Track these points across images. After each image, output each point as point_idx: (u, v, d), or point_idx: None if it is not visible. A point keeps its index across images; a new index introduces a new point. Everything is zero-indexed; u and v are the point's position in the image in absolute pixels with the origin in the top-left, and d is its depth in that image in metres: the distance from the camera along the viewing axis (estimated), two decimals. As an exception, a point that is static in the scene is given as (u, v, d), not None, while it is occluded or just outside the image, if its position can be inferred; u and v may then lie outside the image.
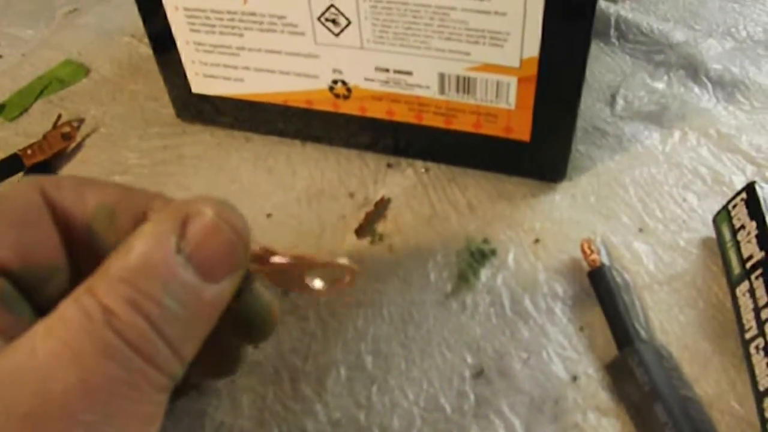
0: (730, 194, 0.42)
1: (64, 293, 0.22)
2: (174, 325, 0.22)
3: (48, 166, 0.53)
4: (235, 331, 0.30)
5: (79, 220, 0.26)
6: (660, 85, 0.56)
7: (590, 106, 0.54)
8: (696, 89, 0.55)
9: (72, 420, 0.20)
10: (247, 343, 0.33)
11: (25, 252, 0.25)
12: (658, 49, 0.59)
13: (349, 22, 0.42)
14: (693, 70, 0.57)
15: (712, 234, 0.43)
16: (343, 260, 0.29)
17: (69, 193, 0.26)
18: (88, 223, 0.27)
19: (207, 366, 0.31)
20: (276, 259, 0.27)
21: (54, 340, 0.20)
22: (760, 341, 0.36)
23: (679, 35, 0.60)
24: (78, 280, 0.23)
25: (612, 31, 0.61)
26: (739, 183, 0.47)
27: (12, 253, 0.24)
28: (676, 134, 0.51)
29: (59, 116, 0.56)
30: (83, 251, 0.27)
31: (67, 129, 0.54)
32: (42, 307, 0.25)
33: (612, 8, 0.63)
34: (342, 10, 0.42)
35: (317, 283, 0.29)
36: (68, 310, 0.21)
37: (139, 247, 0.22)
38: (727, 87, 0.55)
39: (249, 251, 0.25)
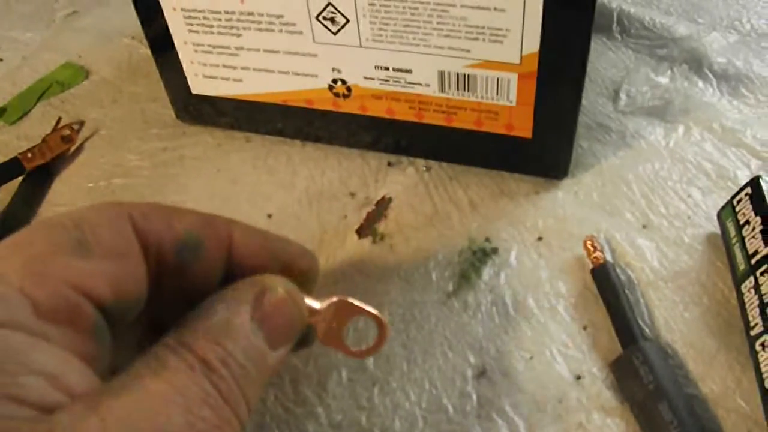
0: (735, 189, 0.42)
1: (140, 317, 0.26)
2: (249, 382, 0.25)
3: (48, 170, 0.52)
4: None
5: (167, 250, 0.27)
6: (663, 80, 0.55)
7: (593, 101, 0.54)
8: (700, 83, 0.55)
9: None
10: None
11: (118, 285, 0.25)
12: (662, 43, 0.59)
13: (348, 21, 0.42)
14: (697, 64, 0.56)
15: (717, 230, 0.43)
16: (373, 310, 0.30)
17: (157, 222, 0.27)
18: (177, 252, 0.27)
19: None
20: (312, 304, 0.29)
21: (163, 383, 0.23)
22: (766, 338, 0.35)
23: (682, 29, 0.60)
24: (155, 303, 0.26)
25: (615, 26, 0.61)
26: (744, 178, 0.47)
27: (107, 287, 0.25)
28: (680, 129, 0.51)
29: (59, 119, 0.56)
30: (166, 278, 0.27)
31: (67, 132, 0.54)
32: (117, 332, 0.26)
33: (614, 2, 0.62)
34: (340, 8, 0.42)
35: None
36: (170, 359, 0.23)
37: (222, 312, 0.25)
38: (731, 81, 0.55)
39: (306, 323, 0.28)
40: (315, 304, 0.29)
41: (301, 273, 0.30)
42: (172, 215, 0.28)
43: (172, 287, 0.27)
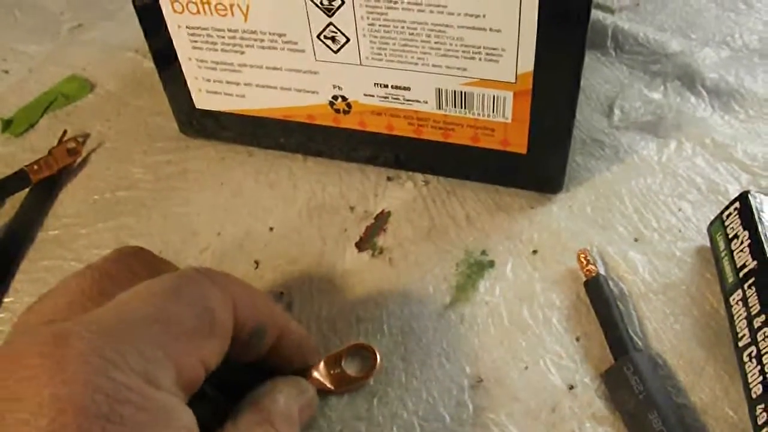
0: (725, 203, 0.42)
1: None
2: None
3: (54, 182, 0.53)
4: None
5: (243, 334, 0.32)
6: (656, 96, 0.56)
7: (588, 117, 0.55)
8: (692, 99, 0.56)
9: None
10: None
11: (219, 359, 0.31)
12: (655, 59, 0.60)
13: (348, 40, 0.43)
14: (689, 79, 0.57)
15: (707, 243, 0.44)
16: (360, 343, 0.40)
17: (244, 310, 0.32)
18: (249, 336, 0.33)
19: None
20: (315, 375, 0.38)
21: None
22: (753, 349, 0.36)
23: (675, 45, 0.61)
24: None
25: (609, 42, 0.62)
26: (734, 192, 0.47)
27: (216, 362, 0.31)
28: (672, 144, 0.52)
29: (65, 132, 0.57)
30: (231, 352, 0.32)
31: (72, 144, 0.55)
32: None
33: (609, 19, 0.63)
34: (340, 28, 0.43)
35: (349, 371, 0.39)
36: (259, 430, 0.31)
37: (283, 402, 0.33)
38: (722, 96, 0.56)
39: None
40: (315, 372, 0.38)
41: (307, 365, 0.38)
42: (253, 302, 0.33)
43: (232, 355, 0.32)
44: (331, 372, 0.38)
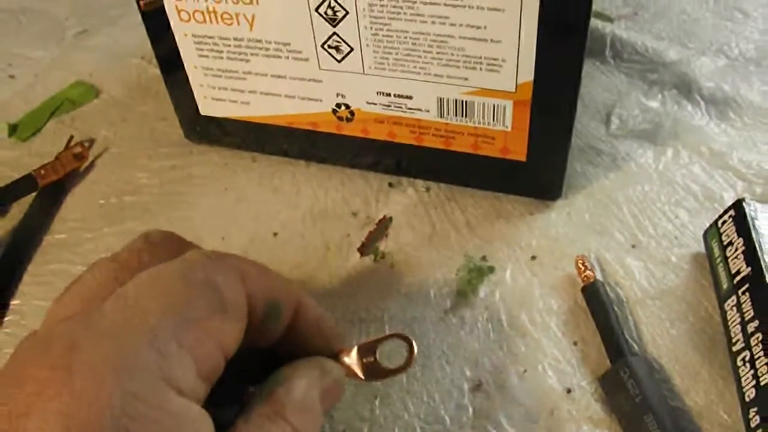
0: (721, 210, 0.43)
1: None
2: None
3: (61, 186, 0.54)
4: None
5: (258, 311, 0.30)
6: (654, 104, 0.57)
7: (586, 125, 0.56)
8: (689, 107, 0.57)
9: None
10: None
11: (238, 341, 0.29)
12: (652, 68, 0.61)
13: (352, 49, 0.44)
14: (686, 88, 0.58)
15: (703, 249, 0.45)
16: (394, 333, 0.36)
17: (255, 284, 0.30)
18: (264, 313, 0.31)
19: None
20: (347, 361, 0.34)
21: None
22: (747, 354, 0.37)
23: (672, 54, 0.61)
24: None
25: (608, 51, 0.63)
26: (730, 199, 0.48)
27: (234, 345, 0.29)
28: (669, 152, 0.53)
29: (71, 137, 0.58)
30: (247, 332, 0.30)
31: (79, 149, 0.55)
32: None
33: (608, 28, 0.64)
34: (344, 37, 0.44)
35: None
36: (272, 427, 0.29)
37: (301, 389, 0.30)
38: (719, 104, 0.57)
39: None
40: (346, 358, 0.34)
41: (330, 350, 0.34)
42: (264, 277, 0.31)
43: (246, 338, 0.30)
44: (364, 360, 0.35)
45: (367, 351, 0.35)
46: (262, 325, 0.31)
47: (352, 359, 0.34)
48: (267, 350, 0.32)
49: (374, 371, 0.34)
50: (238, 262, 0.30)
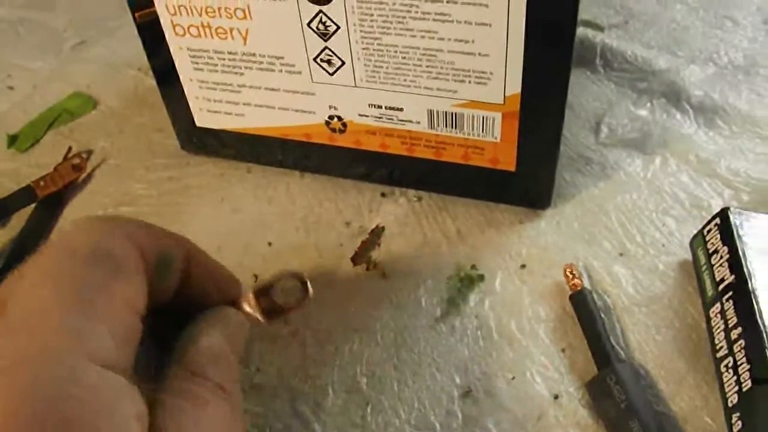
0: (708, 218, 0.44)
1: None
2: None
3: (59, 197, 0.55)
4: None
5: (150, 267, 0.30)
6: (643, 112, 0.58)
7: (576, 134, 0.56)
8: (678, 116, 0.57)
9: None
10: None
11: (145, 299, 0.29)
12: (642, 76, 0.61)
13: (343, 63, 0.45)
14: (675, 96, 0.59)
15: (690, 257, 0.46)
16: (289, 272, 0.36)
17: (142, 240, 0.30)
18: (156, 267, 0.31)
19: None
20: (247, 308, 0.35)
21: (208, 415, 0.29)
22: (730, 360, 0.38)
23: (662, 62, 0.62)
24: None
25: (598, 60, 0.63)
26: (717, 207, 0.49)
27: (144, 303, 0.29)
28: (658, 160, 0.53)
29: (69, 148, 0.58)
30: None
31: (77, 160, 0.56)
32: None
33: (599, 37, 0.65)
34: (336, 51, 0.44)
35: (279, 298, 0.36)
36: (192, 387, 0.29)
37: (208, 342, 0.31)
38: (707, 113, 0.57)
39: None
40: (245, 305, 0.35)
41: (228, 298, 0.35)
42: (151, 232, 0.31)
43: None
44: (261, 304, 0.35)
45: (262, 294, 0.35)
46: (158, 279, 0.31)
47: (251, 304, 0.35)
48: (174, 311, 0.32)
49: (272, 312, 0.35)
50: (121, 222, 0.30)
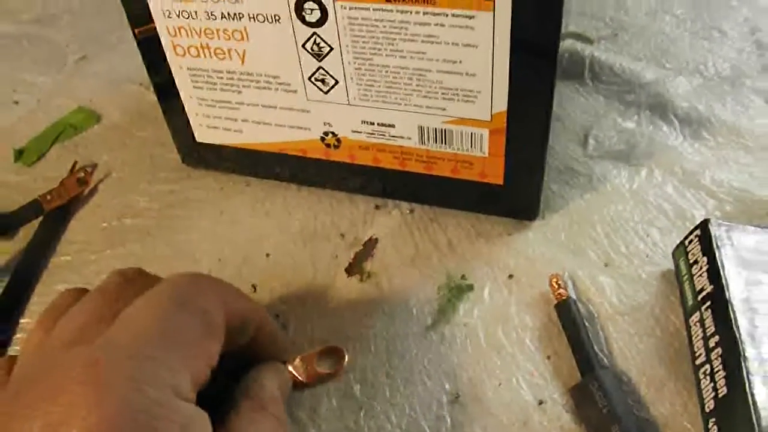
0: (691, 229, 0.45)
1: None
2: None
3: (65, 210, 0.56)
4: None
5: (231, 329, 0.36)
6: (630, 125, 0.59)
7: (564, 146, 0.58)
8: (664, 127, 0.59)
9: None
10: None
11: (217, 357, 0.35)
12: (629, 89, 0.62)
13: (337, 82, 0.47)
14: (661, 108, 0.60)
15: (672, 267, 0.47)
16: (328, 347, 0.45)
17: (230, 305, 0.36)
18: (235, 331, 0.37)
19: None
20: (292, 370, 0.43)
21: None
22: (708, 367, 0.39)
23: (649, 74, 0.63)
24: None
25: (587, 72, 0.64)
26: (700, 217, 0.50)
27: (216, 360, 0.34)
28: (643, 172, 0.55)
29: (75, 163, 0.60)
30: None
31: (82, 174, 0.58)
32: None
33: (587, 50, 0.66)
34: (330, 71, 0.46)
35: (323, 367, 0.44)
36: (257, 416, 0.36)
37: (270, 385, 0.38)
38: (693, 124, 0.59)
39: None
40: (290, 366, 0.43)
41: (280, 357, 0.42)
42: (238, 300, 0.37)
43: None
44: (306, 367, 0.43)
45: (308, 360, 0.43)
46: (232, 338, 0.36)
47: (295, 367, 0.43)
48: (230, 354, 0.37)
49: (314, 375, 0.43)
50: (217, 286, 0.36)
